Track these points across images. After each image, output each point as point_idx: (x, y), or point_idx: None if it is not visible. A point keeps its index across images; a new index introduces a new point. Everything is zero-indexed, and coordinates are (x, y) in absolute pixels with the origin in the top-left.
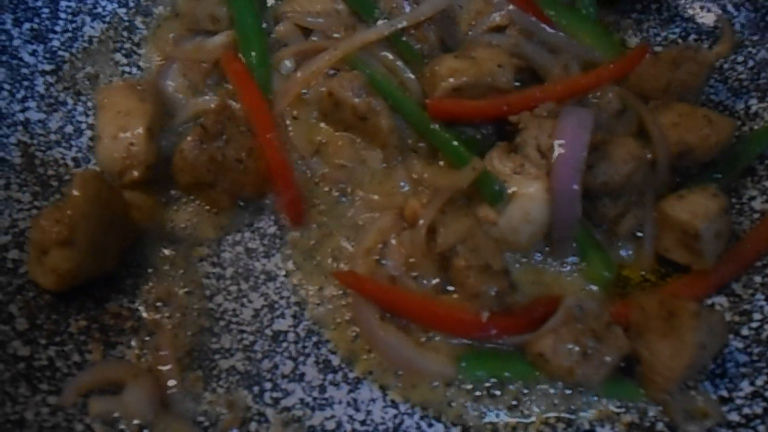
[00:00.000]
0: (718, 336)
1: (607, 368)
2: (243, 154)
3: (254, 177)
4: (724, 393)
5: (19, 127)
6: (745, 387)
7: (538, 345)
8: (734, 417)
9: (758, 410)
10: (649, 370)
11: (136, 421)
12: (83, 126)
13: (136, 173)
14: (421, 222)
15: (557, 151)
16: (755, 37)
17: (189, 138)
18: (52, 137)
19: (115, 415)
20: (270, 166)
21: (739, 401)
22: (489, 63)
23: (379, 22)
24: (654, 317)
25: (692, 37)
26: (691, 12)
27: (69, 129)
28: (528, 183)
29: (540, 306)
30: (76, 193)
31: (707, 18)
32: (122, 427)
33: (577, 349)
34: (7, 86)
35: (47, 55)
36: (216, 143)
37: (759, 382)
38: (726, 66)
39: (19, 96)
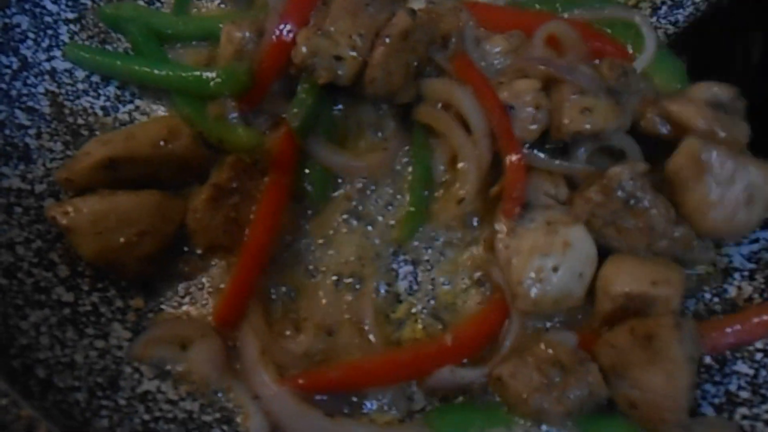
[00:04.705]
0: (698, 343)
1: (571, 404)
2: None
3: None
4: None
5: (47, 77)
6: None
7: (498, 369)
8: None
9: None
10: (650, 409)
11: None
12: None
13: None
14: None
15: None
16: None
17: (203, 196)
18: (80, 86)
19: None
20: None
21: None
22: None
23: None
24: (630, 349)
25: None
26: None
27: (96, 78)
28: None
29: (492, 309)
30: None
31: None
32: (168, 368)
33: (538, 377)
34: (31, 35)
35: (70, 3)
36: (230, 200)
37: None
38: None
39: (44, 45)
